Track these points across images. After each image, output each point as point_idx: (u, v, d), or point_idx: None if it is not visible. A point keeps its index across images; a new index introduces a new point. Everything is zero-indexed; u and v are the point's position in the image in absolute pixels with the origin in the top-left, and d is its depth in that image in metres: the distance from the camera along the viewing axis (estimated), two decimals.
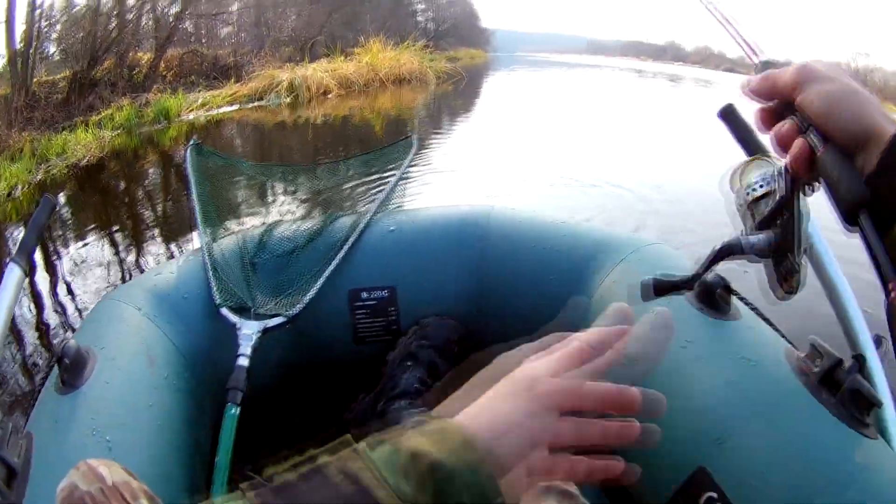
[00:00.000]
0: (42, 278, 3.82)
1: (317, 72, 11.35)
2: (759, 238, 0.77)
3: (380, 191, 2.24)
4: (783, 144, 0.68)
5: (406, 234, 1.95)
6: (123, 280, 3.87)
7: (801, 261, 0.74)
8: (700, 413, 1.26)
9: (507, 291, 1.88)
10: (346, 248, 1.86)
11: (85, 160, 6.81)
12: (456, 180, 5.82)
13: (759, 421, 1.19)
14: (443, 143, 8.09)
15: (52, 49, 9.94)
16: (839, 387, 1.13)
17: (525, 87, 16.01)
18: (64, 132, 7.41)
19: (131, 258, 4.32)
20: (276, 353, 1.77)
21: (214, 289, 1.72)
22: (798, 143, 0.65)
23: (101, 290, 3.69)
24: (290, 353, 1.86)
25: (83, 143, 7.17)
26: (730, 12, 0.90)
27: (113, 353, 1.46)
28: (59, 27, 9.89)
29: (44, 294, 3.64)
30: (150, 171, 7.02)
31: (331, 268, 1.79)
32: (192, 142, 2.37)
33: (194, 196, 2.10)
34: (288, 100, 10.86)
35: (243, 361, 1.56)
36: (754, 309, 1.46)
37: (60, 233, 4.78)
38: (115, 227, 4.94)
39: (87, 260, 4.17)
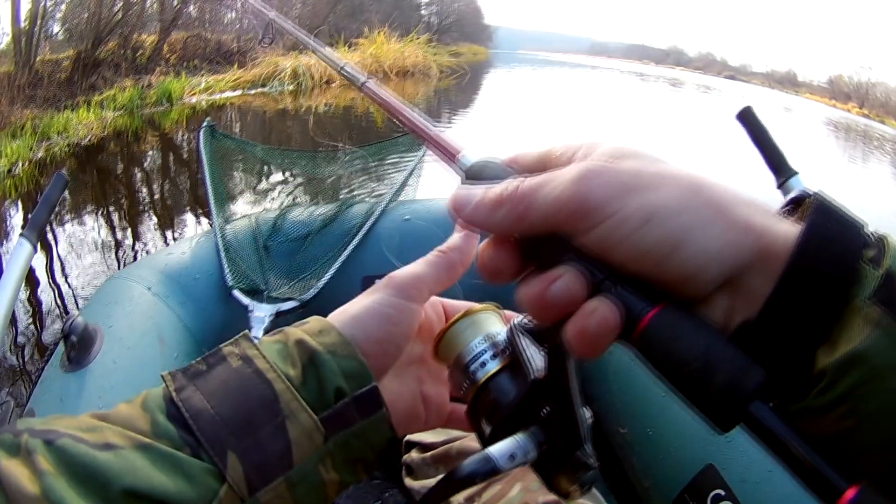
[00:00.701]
0: (41, 255, 3.76)
1: (320, 61, 11.27)
2: (514, 444, 0.47)
3: (395, 180, 2.20)
4: (558, 311, 0.38)
5: (420, 224, 1.93)
6: (119, 259, 3.82)
7: (589, 450, 0.47)
8: None
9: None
10: (360, 234, 1.84)
11: (87, 139, 6.75)
12: None
13: None
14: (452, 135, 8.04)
15: (57, 28, 9.85)
16: None
17: (526, 87, 15.95)
18: (66, 111, 7.35)
19: (132, 238, 4.29)
20: None
21: (227, 270, 1.69)
22: (599, 311, 0.37)
23: (98, 269, 3.66)
24: None
25: (85, 122, 7.10)
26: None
27: (121, 331, 1.43)
28: (63, 7, 9.81)
29: (44, 271, 3.61)
30: (152, 152, 6.98)
31: (345, 254, 1.77)
32: (205, 123, 2.34)
33: (207, 177, 2.08)
34: (291, 87, 10.82)
35: None
36: None
37: (58, 210, 4.71)
38: (115, 207, 4.92)
39: (87, 238, 4.15)
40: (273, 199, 3.84)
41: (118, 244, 4.14)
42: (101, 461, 0.39)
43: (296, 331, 0.48)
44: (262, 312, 1.58)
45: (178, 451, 0.40)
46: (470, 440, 1.26)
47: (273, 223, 1.94)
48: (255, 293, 1.68)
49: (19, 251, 1.35)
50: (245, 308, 1.60)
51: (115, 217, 4.71)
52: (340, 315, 0.51)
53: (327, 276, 1.72)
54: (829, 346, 0.35)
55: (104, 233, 4.35)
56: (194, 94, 9.61)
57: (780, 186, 1.46)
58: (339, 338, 0.47)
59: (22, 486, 0.38)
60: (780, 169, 1.47)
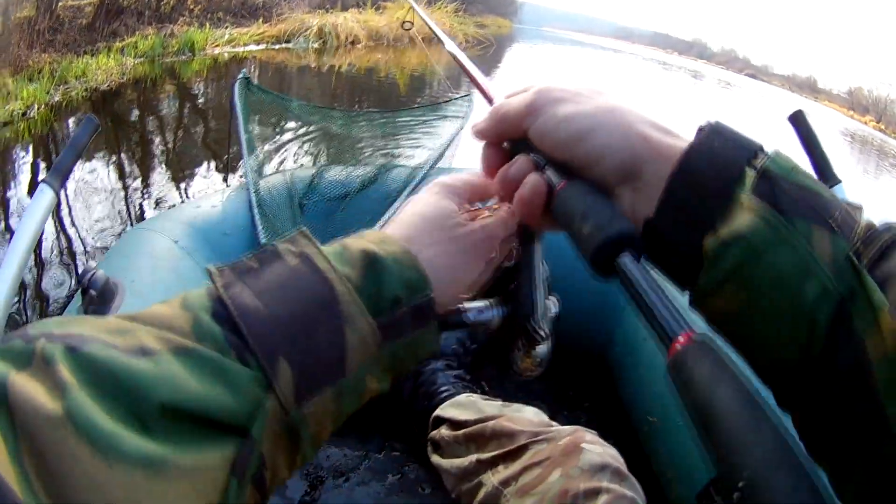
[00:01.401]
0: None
1: (347, 21, 11.14)
2: (485, 304, 0.59)
3: (432, 147, 2.12)
4: (513, 187, 0.53)
5: None
6: (132, 211, 3.71)
7: (545, 327, 0.58)
8: None
9: (554, 255, 1.77)
10: (400, 200, 1.77)
11: (105, 85, 6.68)
12: None
13: None
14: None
15: None
16: None
17: (549, 63, 15.80)
18: (86, 56, 7.29)
19: (145, 188, 4.22)
20: None
21: (259, 226, 1.63)
22: (530, 179, 0.52)
23: (112, 220, 3.58)
24: None
25: (104, 67, 7.03)
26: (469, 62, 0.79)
27: (143, 286, 1.37)
28: None
29: (54, 221, 3.53)
30: (170, 100, 6.95)
31: (385, 218, 1.70)
32: (241, 74, 2.27)
33: (241, 130, 2.01)
34: (316, 45, 10.72)
35: None
36: None
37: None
38: (130, 155, 4.86)
39: (100, 187, 4.08)
40: (307, 156, 3.74)
41: (138, 192, 4.09)
42: (135, 370, 0.33)
43: (355, 239, 0.47)
44: None
45: (222, 354, 0.36)
46: (505, 420, 1.22)
47: (309, 181, 1.86)
48: None
49: (40, 197, 1.26)
50: None
51: (130, 166, 4.65)
52: (397, 230, 0.52)
53: None
54: (713, 233, 0.43)
55: (118, 181, 4.28)
56: (217, 45, 9.54)
57: None
58: (401, 247, 0.47)
59: (38, 405, 0.30)
60: (826, 175, 1.50)
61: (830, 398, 0.40)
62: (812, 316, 0.40)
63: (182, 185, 4.29)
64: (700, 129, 0.47)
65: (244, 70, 2.35)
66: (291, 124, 3.61)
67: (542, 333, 0.57)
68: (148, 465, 0.30)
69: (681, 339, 0.37)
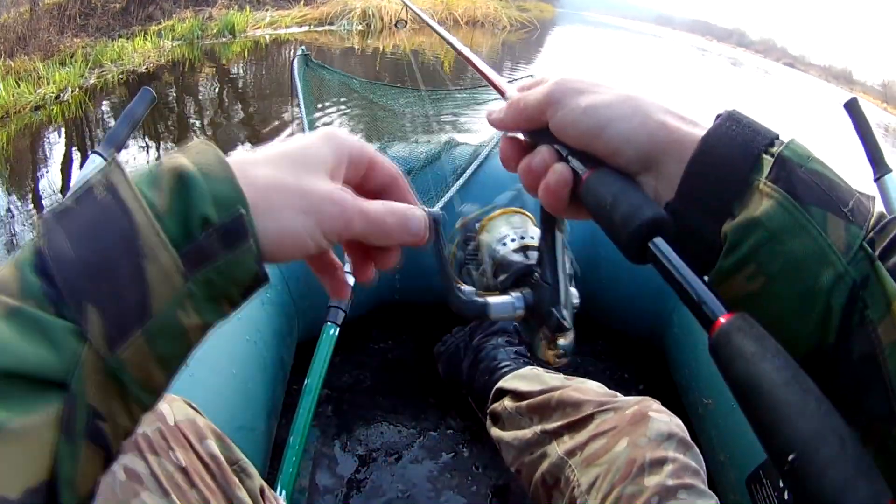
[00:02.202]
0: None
1: (391, 2, 11.09)
2: (511, 298, 0.61)
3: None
4: (537, 178, 0.54)
5: None
6: None
7: (569, 317, 0.59)
8: None
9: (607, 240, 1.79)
10: (464, 178, 1.78)
11: (143, 67, 6.76)
12: None
13: None
14: None
15: None
16: None
17: (592, 48, 15.62)
18: (121, 39, 7.36)
19: None
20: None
21: None
22: (556, 169, 0.52)
23: None
24: (389, 278, 1.82)
25: (141, 50, 7.12)
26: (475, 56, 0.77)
27: None
28: None
29: None
30: (210, 82, 6.99)
31: (448, 196, 1.70)
32: (300, 51, 2.31)
33: (301, 104, 2.01)
34: (359, 27, 10.67)
35: (349, 279, 1.42)
36: None
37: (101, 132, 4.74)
38: (167, 135, 4.86)
39: (138, 162, 4.11)
40: (368, 132, 3.73)
41: None
42: None
43: (175, 155, 0.42)
44: None
45: (42, 310, 0.35)
46: (571, 390, 1.22)
47: None
48: None
49: (91, 168, 1.28)
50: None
51: (169, 146, 4.69)
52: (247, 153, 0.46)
53: None
54: (732, 219, 0.45)
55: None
56: (258, 27, 9.58)
57: (876, 180, 1.53)
58: (217, 158, 0.42)
59: None
60: (879, 164, 1.54)
61: (844, 385, 0.41)
62: (827, 302, 0.42)
63: None
64: (717, 117, 0.48)
65: (303, 47, 2.37)
66: (351, 100, 3.61)
67: (566, 323, 0.58)
68: None
69: (721, 318, 0.38)
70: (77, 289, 0.36)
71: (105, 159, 1.28)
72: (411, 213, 0.49)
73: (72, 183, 3.64)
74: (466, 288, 0.61)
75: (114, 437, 0.38)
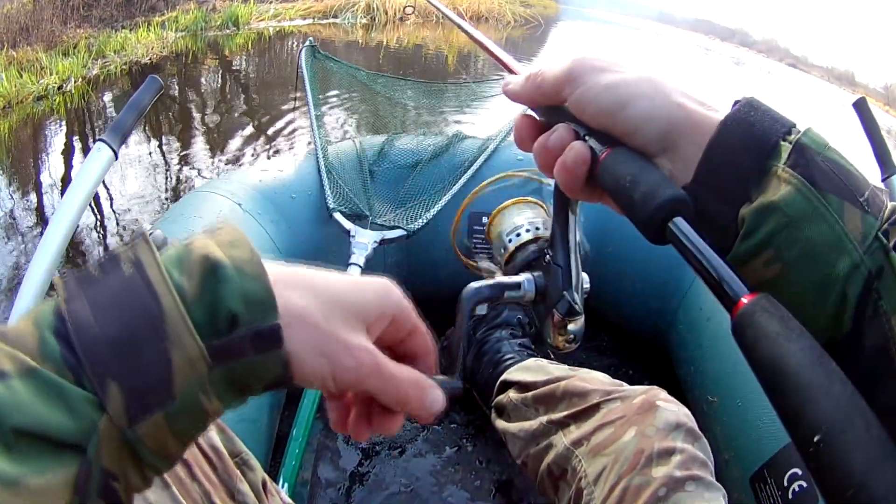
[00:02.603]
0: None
1: None
2: (523, 279, 0.61)
3: (504, 119, 2.11)
4: (553, 157, 0.53)
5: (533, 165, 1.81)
6: (169, 180, 3.71)
7: (580, 301, 0.58)
8: None
9: (628, 233, 1.77)
10: (472, 170, 1.77)
11: (147, 58, 6.72)
12: None
13: None
14: None
15: None
16: None
17: (596, 44, 15.62)
18: (124, 31, 7.34)
19: (183, 158, 4.21)
20: (381, 268, 1.68)
21: (328, 192, 1.64)
22: (574, 147, 0.51)
23: (153, 187, 3.59)
24: (398, 269, 1.78)
25: (144, 41, 7.07)
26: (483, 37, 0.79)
27: None
28: None
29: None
30: (213, 74, 6.96)
31: (456, 188, 1.71)
32: (307, 42, 2.30)
33: (309, 96, 2.03)
34: (364, 20, 10.65)
35: (355, 271, 1.43)
36: None
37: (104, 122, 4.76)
38: (169, 127, 4.88)
39: (142, 155, 4.09)
40: (374, 124, 3.71)
41: (183, 161, 4.08)
42: None
43: (204, 239, 0.41)
44: (365, 238, 1.51)
45: (61, 376, 0.36)
46: (577, 380, 1.21)
47: (380, 148, 1.87)
48: (357, 218, 1.61)
49: (96, 156, 1.27)
50: (347, 233, 1.54)
51: (171, 137, 4.67)
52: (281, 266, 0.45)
53: (437, 207, 1.66)
54: (749, 203, 0.44)
55: (166, 150, 4.31)
56: (262, 19, 9.53)
57: (884, 180, 1.54)
58: (251, 254, 0.41)
59: None
60: (886, 163, 1.54)
61: (856, 377, 0.38)
62: (843, 291, 0.42)
63: (247, 151, 4.30)
64: (735, 103, 0.48)
65: (310, 38, 2.35)
66: (357, 92, 3.60)
67: (577, 307, 0.58)
68: (7, 484, 0.33)
69: (744, 298, 0.38)
70: (99, 363, 0.36)
71: (111, 147, 1.28)
72: (434, 392, 0.48)
73: (73, 173, 3.62)
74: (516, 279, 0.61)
75: (125, 496, 0.39)
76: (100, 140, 1.27)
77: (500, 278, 0.61)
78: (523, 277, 0.61)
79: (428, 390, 0.47)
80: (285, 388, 0.43)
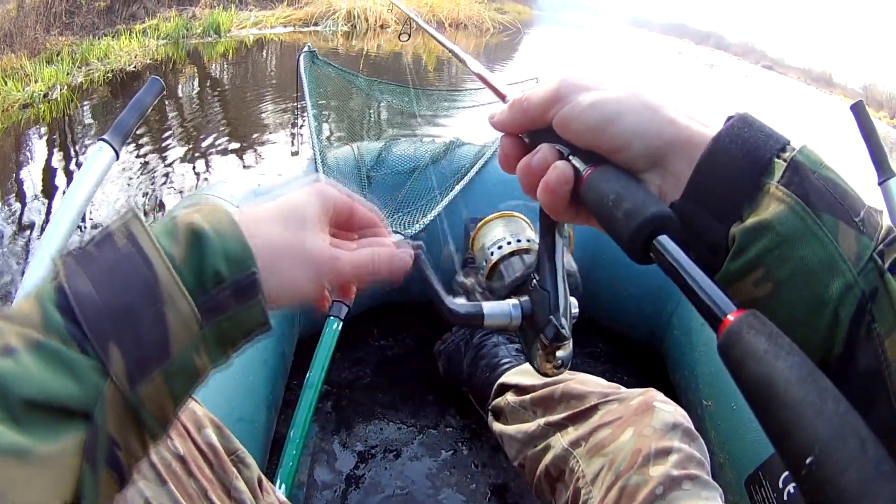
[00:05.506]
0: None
1: (376, 3, 11.06)
2: (509, 305, 0.60)
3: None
4: (537, 178, 0.52)
5: None
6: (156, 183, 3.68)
7: (567, 325, 0.57)
8: None
9: (606, 240, 1.81)
10: (469, 176, 1.79)
11: (130, 66, 6.66)
12: None
13: None
14: None
15: None
16: None
17: (570, 50, 15.68)
18: (106, 38, 7.26)
19: (208, 161, 4.18)
20: None
21: None
22: (557, 166, 0.50)
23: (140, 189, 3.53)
24: None
25: (126, 49, 7.02)
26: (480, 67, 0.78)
27: None
28: None
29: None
30: (196, 81, 6.93)
31: (453, 193, 1.72)
32: (306, 48, 2.31)
33: (308, 101, 2.04)
34: (344, 28, 10.64)
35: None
36: None
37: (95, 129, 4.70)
38: (155, 136, 4.78)
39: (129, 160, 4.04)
40: (372, 130, 3.69)
41: (171, 168, 4.03)
42: (2, 371, 0.37)
43: (188, 211, 0.46)
44: None
45: (65, 346, 0.39)
46: (575, 383, 1.22)
47: (378, 154, 1.88)
48: None
49: (97, 155, 1.27)
50: None
51: (161, 144, 4.58)
52: (247, 212, 0.52)
53: (433, 213, 1.66)
54: (741, 221, 0.43)
55: (156, 157, 4.24)
56: (243, 27, 9.52)
57: (881, 184, 1.52)
58: (228, 219, 0.47)
59: None
60: (883, 167, 1.53)
61: (847, 399, 0.37)
62: (835, 312, 0.40)
63: (191, 164, 4.24)
64: (728, 118, 0.46)
65: (308, 44, 2.34)
66: (356, 98, 3.58)
67: (564, 332, 0.56)
68: (18, 455, 0.35)
69: (730, 316, 0.36)
70: (101, 329, 0.39)
71: (113, 147, 1.27)
72: (391, 256, 0.56)
73: (76, 174, 3.57)
74: (457, 300, 0.61)
75: (128, 465, 0.41)
76: (101, 139, 1.26)
77: (485, 305, 0.60)
78: (510, 304, 0.60)
79: (386, 258, 0.55)
80: (264, 332, 0.47)
